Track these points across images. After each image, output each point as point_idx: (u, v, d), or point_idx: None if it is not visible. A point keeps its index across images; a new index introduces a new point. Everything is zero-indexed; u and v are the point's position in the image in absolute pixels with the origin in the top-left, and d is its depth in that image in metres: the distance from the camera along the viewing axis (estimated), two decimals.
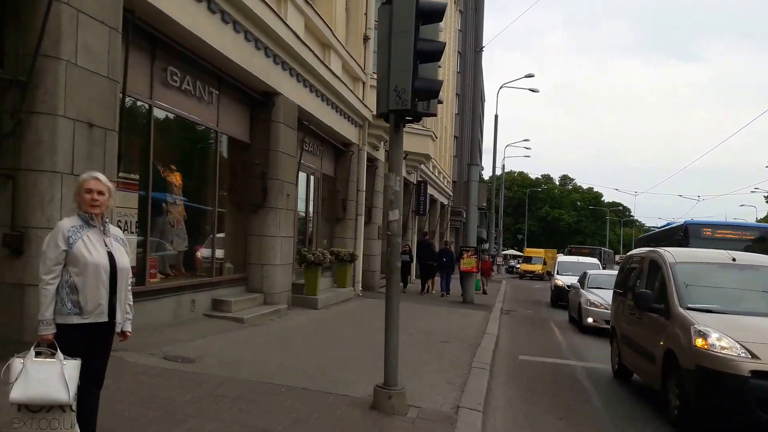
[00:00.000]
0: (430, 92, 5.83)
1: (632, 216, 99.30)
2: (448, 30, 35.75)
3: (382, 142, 21.16)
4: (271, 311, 11.77)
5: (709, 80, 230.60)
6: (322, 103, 14.98)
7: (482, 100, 69.48)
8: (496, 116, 46.15)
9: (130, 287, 4.04)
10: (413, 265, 24.46)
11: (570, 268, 23.78)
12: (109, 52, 6.65)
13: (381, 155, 21.55)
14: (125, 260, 3.96)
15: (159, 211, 10.01)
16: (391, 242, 6.46)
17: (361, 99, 18.08)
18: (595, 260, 27.01)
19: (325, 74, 14.35)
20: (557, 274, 23.34)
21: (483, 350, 10.40)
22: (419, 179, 29.51)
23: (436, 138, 31.23)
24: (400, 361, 6.24)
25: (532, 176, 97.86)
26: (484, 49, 21.86)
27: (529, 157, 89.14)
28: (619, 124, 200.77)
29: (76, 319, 3.71)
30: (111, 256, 3.85)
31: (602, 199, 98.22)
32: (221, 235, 12.07)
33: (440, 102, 6.33)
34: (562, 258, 26.21)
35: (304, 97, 13.68)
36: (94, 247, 3.78)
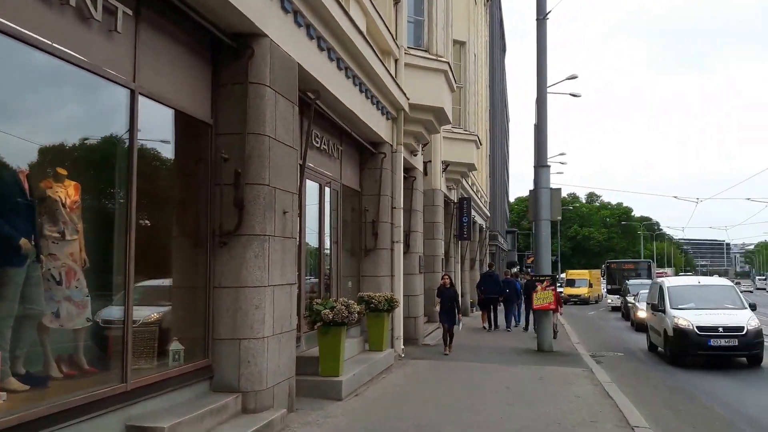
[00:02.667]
0: None
1: (661, 230, 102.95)
2: (476, 22, 30.36)
3: (421, 145, 15.70)
4: (255, 430, 6.27)
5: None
6: (337, 71, 9.57)
7: (506, 105, 63.51)
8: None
9: None
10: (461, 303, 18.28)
11: (693, 296, 15.23)
12: None
13: (419, 163, 16.03)
14: None
15: (16, 258, 4.67)
16: None
17: (394, 78, 12.66)
18: (726, 281, 18.04)
19: (342, 20, 8.95)
20: (671, 308, 14.60)
21: None
22: (461, 196, 24.02)
23: (481, 145, 25.65)
24: None
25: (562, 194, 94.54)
26: (549, 16, 16.22)
27: (562, 172, 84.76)
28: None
29: None
30: None
31: (632, 213, 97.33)
32: (158, 286, 6.66)
33: None
34: (671, 281, 16.92)
35: (307, 52, 8.28)
36: None
